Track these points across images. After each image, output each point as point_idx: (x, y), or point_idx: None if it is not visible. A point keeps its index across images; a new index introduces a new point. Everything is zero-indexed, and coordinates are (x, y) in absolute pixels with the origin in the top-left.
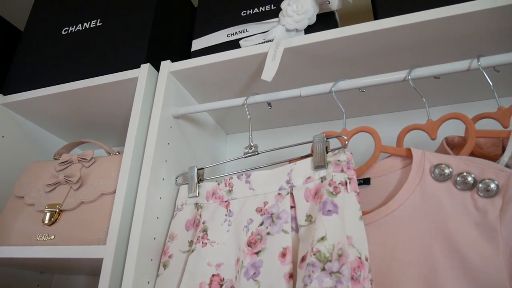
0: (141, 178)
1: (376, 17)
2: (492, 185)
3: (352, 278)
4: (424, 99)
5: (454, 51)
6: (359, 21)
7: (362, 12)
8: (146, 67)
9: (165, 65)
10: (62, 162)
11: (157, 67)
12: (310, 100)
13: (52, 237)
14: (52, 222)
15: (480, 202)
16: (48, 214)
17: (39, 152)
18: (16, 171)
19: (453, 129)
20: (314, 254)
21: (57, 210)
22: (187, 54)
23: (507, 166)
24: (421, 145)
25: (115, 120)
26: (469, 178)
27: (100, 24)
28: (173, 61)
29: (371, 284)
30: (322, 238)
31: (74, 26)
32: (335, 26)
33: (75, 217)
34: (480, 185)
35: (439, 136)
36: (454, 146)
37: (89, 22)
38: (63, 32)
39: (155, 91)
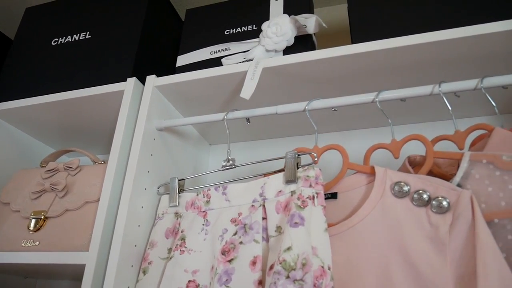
0: (124, 187)
1: (352, 41)
2: (444, 203)
3: (314, 285)
4: (389, 120)
5: (420, 75)
6: (340, 41)
7: (344, 32)
8: (132, 81)
9: (150, 79)
10: (48, 170)
11: (143, 81)
12: (289, 116)
13: (37, 243)
14: (37, 229)
15: (433, 218)
16: (33, 221)
17: (27, 159)
18: (3, 178)
19: (417, 147)
20: (280, 263)
21: (42, 217)
22: (174, 67)
23: (459, 185)
24: (387, 162)
25: (102, 130)
26: (425, 196)
27: (89, 36)
28: (159, 75)
29: None
30: (288, 248)
31: (64, 38)
32: (313, 47)
33: (59, 224)
34: (434, 202)
35: (405, 153)
36: (416, 164)
37: (78, 34)
38: (52, 43)
39: (140, 104)
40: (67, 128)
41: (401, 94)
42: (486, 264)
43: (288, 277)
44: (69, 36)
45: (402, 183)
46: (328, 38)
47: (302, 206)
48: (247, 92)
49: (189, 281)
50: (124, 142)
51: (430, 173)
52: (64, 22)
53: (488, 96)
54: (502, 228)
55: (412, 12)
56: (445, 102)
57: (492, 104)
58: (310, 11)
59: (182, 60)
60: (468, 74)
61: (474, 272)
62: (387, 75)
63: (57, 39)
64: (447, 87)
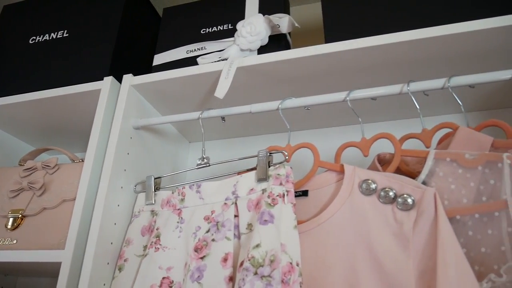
0: (100, 186)
1: (325, 40)
2: (409, 200)
3: (282, 281)
4: (360, 118)
5: (391, 74)
6: (317, 38)
7: (321, 30)
8: (108, 80)
9: (127, 78)
10: (26, 169)
11: (120, 79)
12: (265, 114)
13: (15, 241)
14: (15, 227)
15: (398, 215)
16: (11, 220)
17: (5, 158)
18: None
19: (388, 145)
20: (249, 260)
21: (20, 216)
22: (151, 65)
23: (424, 182)
24: (359, 160)
25: (80, 128)
26: (391, 193)
27: (67, 35)
28: (138, 73)
29: (300, 286)
30: (257, 246)
31: (42, 36)
32: (287, 47)
33: (37, 222)
34: (399, 200)
35: (376, 150)
36: (385, 162)
37: (56, 33)
38: (30, 41)
39: (116, 103)
40: (46, 126)
41: (371, 93)
42: (445, 259)
43: (256, 273)
44: (47, 35)
45: (370, 181)
46: (306, 35)
47: (272, 204)
48: (221, 91)
49: (163, 278)
50: (100, 141)
51: (399, 170)
52: (42, 20)
53: (455, 95)
54: (463, 224)
55: (384, 12)
56: (414, 101)
57: (459, 103)
58: (285, 9)
59: (159, 59)
60: (438, 73)
61: (435, 267)
62: (359, 74)
63: (34, 37)
64: (416, 86)
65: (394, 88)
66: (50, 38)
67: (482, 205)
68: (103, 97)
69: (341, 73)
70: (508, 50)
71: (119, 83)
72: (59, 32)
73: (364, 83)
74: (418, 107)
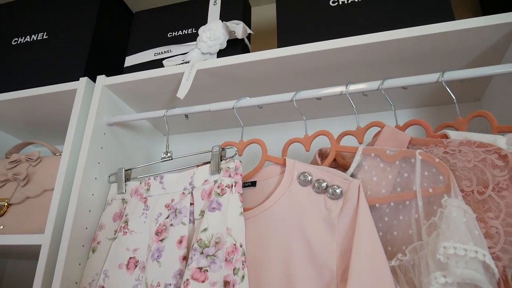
0: (75, 177)
1: (278, 45)
2: (338, 190)
3: (226, 259)
4: (304, 117)
5: (333, 77)
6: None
7: None
8: (84, 80)
9: (100, 79)
10: (11, 161)
11: (94, 79)
12: (224, 112)
13: (2, 227)
14: (1, 214)
15: (328, 203)
16: None
17: None
18: None
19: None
20: (197, 242)
21: (6, 204)
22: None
23: (352, 175)
24: (306, 154)
25: (61, 123)
26: (323, 184)
27: (46, 37)
28: (111, 73)
29: (243, 264)
30: (205, 229)
31: (23, 37)
32: (245, 50)
33: (21, 210)
34: (330, 190)
35: (318, 145)
36: (326, 156)
37: (36, 35)
38: (13, 43)
39: (91, 101)
40: (29, 121)
41: (316, 94)
42: (360, 241)
43: (202, 253)
44: (28, 36)
45: (306, 173)
46: (269, 35)
47: (220, 194)
48: (182, 92)
49: (130, 258)
50: (76, 136)
51: (336, 163)
52: (23, 22)
53: (387, 96)
54: (381, 211)
55: (330, 20)
56: (352, 101)
57: (390, 103)
58: (245, 13)
59: (130, 60)
60: (379, 75)
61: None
62: (306, 76)
63: (17, 39)
64: (354, 87)
65: (336, 89)
66: (31, 39)
67: (397, 195)
68: (78, 96)
69: (291, 75)
70: (437, 55)
71: (94, 83)
72: (39, 34)
73: (308, 85)
74: (354, 106)
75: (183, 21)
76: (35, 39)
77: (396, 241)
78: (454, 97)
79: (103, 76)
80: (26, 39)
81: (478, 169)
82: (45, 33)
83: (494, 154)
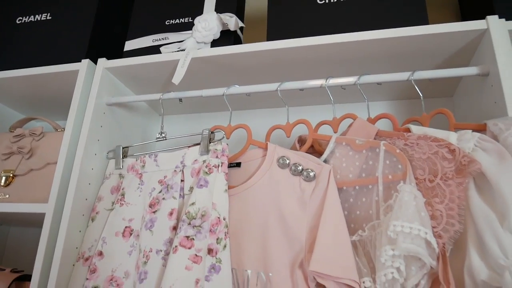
0: (77, 153)
1: (267, 38)
2: (311, 173)
3: (210, 230)
4: (286, 105)
5: (317, 70)
6: None
7: None
8: (86, 62)
9: (101, 62)
10: (16, 135)
11: (96, 61)
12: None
13: (7, 196)
14: (7, 184)
15: (303, 184)
16: (3, 178)
17: None
18: None
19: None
20: (186, 214)
21: (11, 175)
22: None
23: (325, 160)
24: (287, 139)
25: (63, 100)
26: (299, 168)
27: (50, 18)
28: (110, 57)
29: (225, 235)
30: (193, 203)
31: (28, 17)
32: (237, 41)
33: (26, 181)
34: (305, 173)
35: (298, 132)
36: (304, 142)
37: (40, 15)
38: (17, 21)
39: (92, 83)
40: (33, 98)
41: (299, 85)
42: (327, 217)
43: (189, 223)
44: (32, 16)
45: (285, 157)
46: (261, 23)
47: (208, 172)
48: (177, 78)
49: (126, 227)
50: (78, 115)
51: (313, 149)
52: (28, 1)
53: (362, 91)
54: (347, 193)
55: (319, 17)
56: (332, 93)
57: (364, 97)
58: (239, 3)
59: (129, 45)
60: (357, 71)
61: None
62: (291, 68)
63: (21, 18)
64: (333, 81)
65: (317, 82)
66: (35, 19)
67: (362, 179)
68: (80, 77)
69: (278, 66)
70: (410, 55)
71: (95, 65)
72: (43, 14)
73: (294, 76)
74: (332, 99)
75: (180, 10)
76: (39, 19)
77: (358, 219)
78: (421, 95)
79: (104, 59)
80: (30, 19)
81: (431, 161)
82: (49, 13)
83: (445, 148)
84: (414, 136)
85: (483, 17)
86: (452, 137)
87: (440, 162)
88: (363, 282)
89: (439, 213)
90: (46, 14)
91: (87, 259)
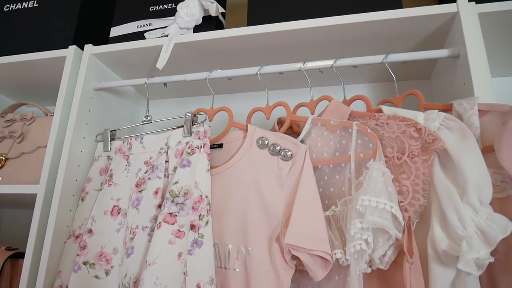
0: (66, 136)
1: (248, 23)
2: (289, 153)
3: (193, 207)
4: (266, 89)
5: (296, 54)
6: None
7: None
8: (72, 48)
9: (88, 48)
10: (7, 120)
11: (83, 47)
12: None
13: (0, 178)
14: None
15: (280, 163)
16: None
17: None
18: None
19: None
20: (169, 192)
21: (4, 158)
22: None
23: (302, 141)
24: (268, 121)
25: (51, 86)
26: (277, 147)
27: (37, 5)
28: (96, 43)
29: (207, 212)
30: (176, 182)
31: (15, 4)
32: (219, 26)
33: (17, 164)
34: (282, 152)
35: (278, 114)
36: (283, 123)
37: (27, 2)
38: (4, 9)
39: (79, 68)
40: (23, 84)
41: (278, 69)
42: (301, 194)
43: (173, 201)
44: (19, 3)
45: (264, 138)
46: (243, 8)
47: (191, 153)
48: (161, 62)
49: (114, 206)
50: (66, 100)
51: (292, 130)
52: None
53: (338, 74)
54: (322, 171)
55: (297, 2)
56: (310, 76)
57: (340, 80)
58: None
59: (115, 31)
60: (335, 54)
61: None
62: (271, 52)
63: (8, 5)
64: (310, 64)
65: (295, 66)
66: (22, 7)
67: (335, 158)
68: (68, 63)
69: (260, 51)
70: (385, 38)
71: (82, 51)
72: (30, 2)
73: (275, 60)
74: (309, 81)
75: None
76: (26, 6)
77: (332, 196)
78: (394, 77)
79: (90, 45)
80: (17, 6)
81: (399, 139)
82: (36, 1)
83: (412, 127)
84: (385, 116)
85: (455, 1)
86: (419, 116)
87: (408, 140)
88: (335, 254)
89: (405, 189)
90: (33, 1)
91: (77, 237)
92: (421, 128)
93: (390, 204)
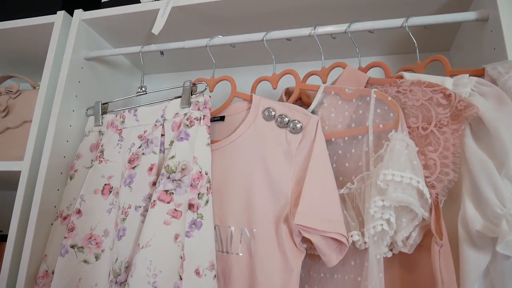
0: (53, 109)
1: None
2: (298, 125)
3: (191, 185)
4: (273, 56)
5: (304, 20)
6: None
7: None
8: (61, 14)
9: (78, 13)
10: None
11: (72, 14)
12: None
13: None
14: None
15: (289, 136)
16: None
17: None
18: None
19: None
20: (165, 168)
21: None
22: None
23: (313, 111)
24: (273, 93)
25: (39, 57)
26: (285, 119)
27: None
28: (87, 8)
29: (207, 190)
30: (172, 157)
31: None
32: None
33: (2, 139)
34: (291, 124)
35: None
36: (291, 94)
37: None
38: None
39: (68, 35)
40: (9, 55)
41: (286, 34)
42: (313, 169)
43: (169, 177)
44: None
45: (270, 109)
46: None
47: (189, 125)
48: (157, 28)
49: (105, 184)
50: (53, 69)
51: (301, 101)
52: None
53: (352, 40)
54: (336, 145)
55: None
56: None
57: (355, 46)
58: None
59: None
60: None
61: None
62: (278, 18)
63: None
64: (322, 29)
65: (305, 31)
66: None
67: (351, 130)
68: (56, 30)
69: (265, 16)
70: (405, 2)
71: (71, 17)
72: None
73: (283, 27)
74: (320, 47)
75: None
76: None
77: (347, 172)
78: (415, 42)
79: (80, 10)
80: None
81: (425, 107)
82: None
83: (439, 94)
84: (407, 82)
85: None
86: (447, 82)
87: (435, 108)
88: (351, 236)
89: (432, 162)
90: None
91: (65, 218)
92: (450, 94)
93: (417, 178)
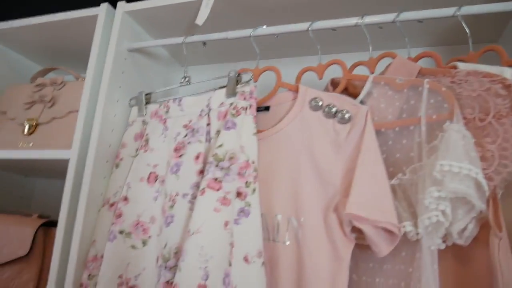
0: (99, 99)
1: None
2: (346, 115)
3: (239, 173)
4: (318, 46)
5: (350, 10)
6: None
7: None
8: (104, 6)
9: (121, 5)
10: (37, 85)
11: (115, 6)
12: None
13: (31, 144)
14: (30, 133)
15: (337, 127)
16: (27, 126)
17: (18, 76)
18: None
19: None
20: (213, 156)
21: (34, 123)
22: None
23: (362, 102)
24: (319, 83)
25: (82, 49)
26: (333, 109)
27: None
28: (129, 0)
29: (254, 179)
30: (220, 146)
31: None
32: None
33: (48, 129)
34: (339, 115)
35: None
36: (338, 85)
37: None
38: None
39: (112, 27)
40: (53, 48)
41: (332, 24)
42: (364, 160)
43: (217, 165)
44: None
45: (317, 99)
46: None
47: (235, 115)
48: (200, 18)
49: (151, 173)
50: (98, 61)
51: (347, 92)
52: None
53: (401, 29)
54: (386, 135)
55: None
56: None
57: (403, 35)
58: None
59: None
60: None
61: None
62: (322, 8)
63: None
64: (369, 19)
65: (351, 21)
66: None
67: (402, 120)
68: (100, 22)
69: (310, 6)
70: None
71: (114, 9)
72: None
73: (326, 18)
74: (368, 37)
75: None
76: None
77: (398, 162)
78: (468, 31)
79: (123, 2)
80: None
81: (482, 98)
82: None
83: (498, 84)
84: (463, 72)
85: None
86: (506, 72)
87: (493, 99)
88: (403, 227)
89: (490, 154)
90: None
91: (112, 205)
92: (510, 84)
93: (476, 170)
